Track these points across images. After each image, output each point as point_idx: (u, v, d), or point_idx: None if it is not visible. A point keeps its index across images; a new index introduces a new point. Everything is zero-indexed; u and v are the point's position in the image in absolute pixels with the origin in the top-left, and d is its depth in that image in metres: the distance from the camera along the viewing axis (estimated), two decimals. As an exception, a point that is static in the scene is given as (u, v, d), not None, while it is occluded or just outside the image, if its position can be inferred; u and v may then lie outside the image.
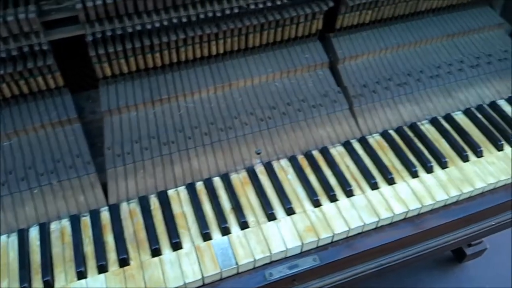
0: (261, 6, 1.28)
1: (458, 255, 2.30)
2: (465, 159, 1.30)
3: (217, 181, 1.23)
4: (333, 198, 1.21)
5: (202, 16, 1.24)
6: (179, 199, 1.19)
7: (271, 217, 1.16)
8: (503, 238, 2.33)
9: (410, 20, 1.61)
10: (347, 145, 1.33)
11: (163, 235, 1.13)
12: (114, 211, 1.18)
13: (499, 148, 1.34)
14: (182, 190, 1.21)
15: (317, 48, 1.51)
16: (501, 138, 1.35)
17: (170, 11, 1.21)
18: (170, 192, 1.21)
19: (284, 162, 1.29)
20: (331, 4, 1.39)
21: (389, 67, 1.52)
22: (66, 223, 1.15)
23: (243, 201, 1.19)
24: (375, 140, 1.35)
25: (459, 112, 1.44)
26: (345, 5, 1.43)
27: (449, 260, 2.34)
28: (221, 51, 1.40)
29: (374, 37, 1.55)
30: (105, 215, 1.18)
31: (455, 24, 1.64)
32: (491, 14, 1.70)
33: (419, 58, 1.55)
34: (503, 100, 1.49)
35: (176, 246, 1.11)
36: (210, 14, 1.24)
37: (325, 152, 1.31)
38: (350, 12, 1.47)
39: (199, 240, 1.12)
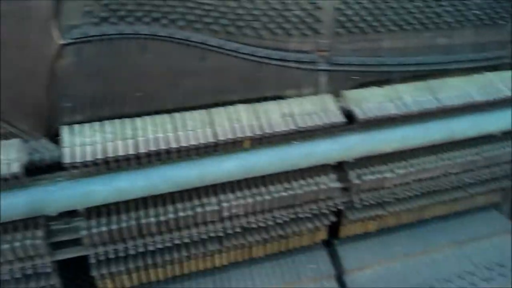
0: (263, 225, 1.32)
1: None
2: None
3: None
4: None
5: (204, 236, 1.27)
6: None
7: None
8: None
9: (415, 227, 1.61)
10: None
11: None
12: None
13: None
14: None
15: (323, 257, 1.50)
16: None
17: (173, 232, 1.25)
18: None
19: None
20: (332, 219, 1.42)
21: (398, 280, 1.47)
22: None
23: None
24: None
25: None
26: (346, 218, 1.46)
27: None
28: (225, 263, 1.41)
29: (381, 245, 1.54)
30: None
31: (462, 231, 1.63)
32: (499, 218, 1.70)
33: (428, 269, 1.51)
34: (523, 319, 1.39)
35: None
36: (212, 234, 1.28)
37: None
38: (353, 223, 1.49)
39: None
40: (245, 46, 1.25)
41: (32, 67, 1.08)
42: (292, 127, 1.22)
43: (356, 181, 1.35)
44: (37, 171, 1.12)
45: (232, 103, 1.28)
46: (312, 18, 1.27)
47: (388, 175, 1.38)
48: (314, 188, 1.31)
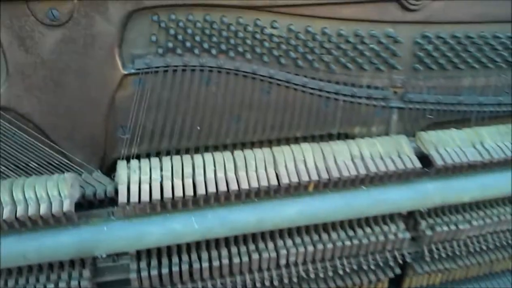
0: (322, 274, 1.20)
1: None
2: None
3: None
4: None
5: (258, 284, 1.17)
6: None
7: None
8: None
9: (483, 281, 1.47)
10: None
11: None
12: None
13: None
14: None
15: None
16: None
17: (225, 278, 1.15)
18: None
19: None
20: (397, 271, 1.29)
21: None
22: None
23: None
24: None
25: None
26: (413, 270, 1.33)
27: None
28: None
29: (446, 301, 1.40)
30: None
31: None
32: None
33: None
34: None
35: None
36: (267, 282, 1.17)
37: None
38: (419, 275, 1.36)
39: None
40: (313, 80, 1.15)
41: (93, 96, 1.01)
42: (362, 171, 1.11)
43: (428, 232, 1.22)
44: (89, 205, 1.05)
45: (296, 139, 1.19)
46: (389, 52, 1.17)
47: (462, 226, 1.24)
48: (381, 237, 1.19)
